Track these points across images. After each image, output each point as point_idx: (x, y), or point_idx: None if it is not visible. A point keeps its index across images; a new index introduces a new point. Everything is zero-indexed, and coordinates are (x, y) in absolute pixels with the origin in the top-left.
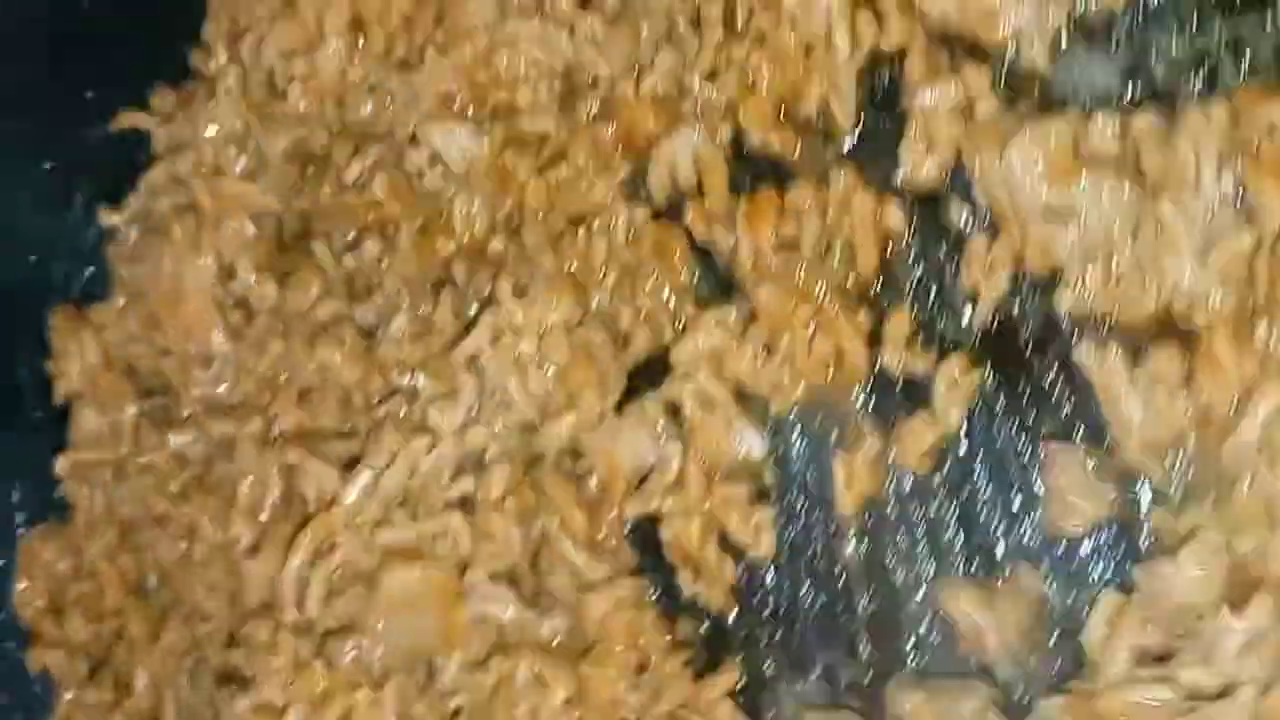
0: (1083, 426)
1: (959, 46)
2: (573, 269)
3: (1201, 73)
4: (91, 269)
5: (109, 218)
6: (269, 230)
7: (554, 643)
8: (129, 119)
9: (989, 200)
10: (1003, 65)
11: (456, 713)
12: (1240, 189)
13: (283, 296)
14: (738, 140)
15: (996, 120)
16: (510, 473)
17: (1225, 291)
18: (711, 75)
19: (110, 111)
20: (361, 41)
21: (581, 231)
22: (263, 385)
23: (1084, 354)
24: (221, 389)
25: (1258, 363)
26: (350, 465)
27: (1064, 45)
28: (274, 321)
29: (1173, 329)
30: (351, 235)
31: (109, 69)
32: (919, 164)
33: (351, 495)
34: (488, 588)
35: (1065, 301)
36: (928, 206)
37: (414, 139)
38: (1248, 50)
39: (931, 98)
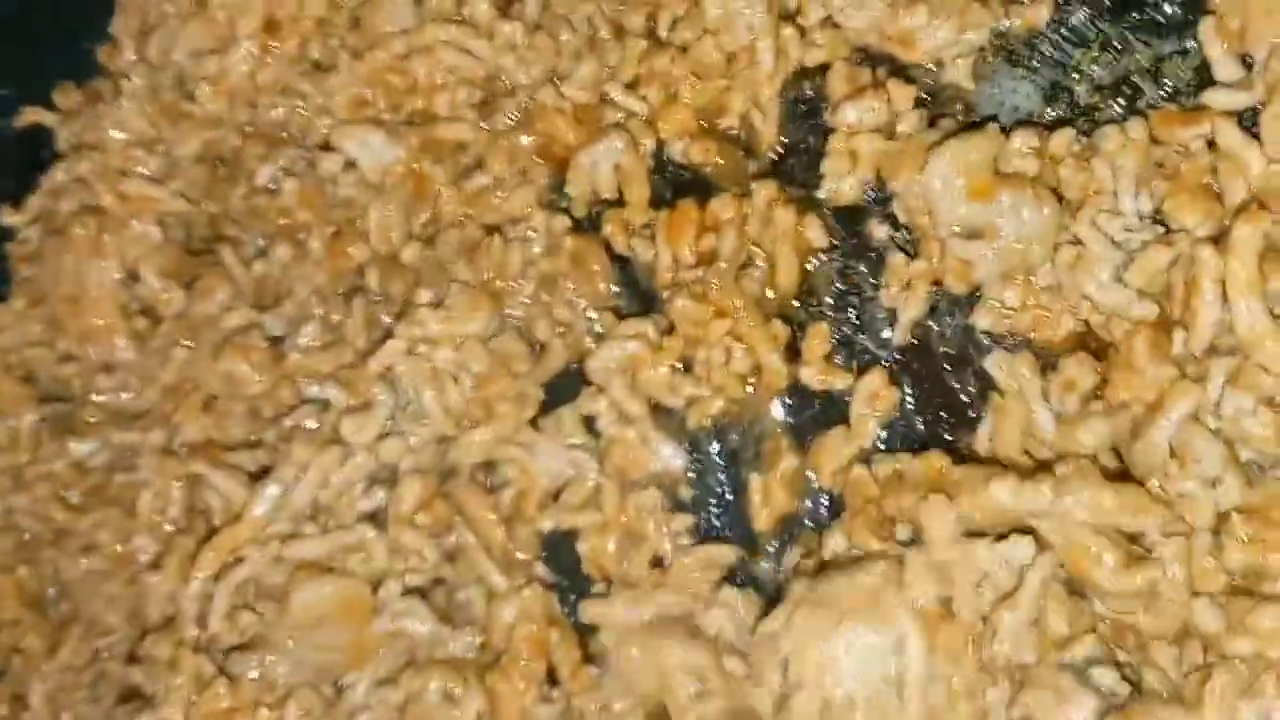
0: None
1: (881, 64)
2: (489, 279)
3: (1122, 95)
4: None
5: (8, 217)
6: (176, 234)
7: (465, 657)
8: (32, 115)
9: (909, 217)
10: (925, 83)
11: None
12: (1157, 208)
13: (189, 302)
14: (659, 152)
15: (918, 137)
16: (423, 485)
17: (1144, 304)
18: (633, 85)
19: (13, 108)
20: (274, 44)
21: (498, 241)
22: (167, 394)
23: (994, 364)
24: (124, 397)
25: (1172, 369)
26: (258, 477)
27: (986, 64)
28: (179, 328)
29: (1087, 344)
30: (261, 241)
31: (12, 64)
32: (841, 180)
33: (259, 508)
34: (402, 603)
35: (984, 320)
36: (849, 222)
37: (327, 145)
38: (1166, 74)
39: (855, 113)
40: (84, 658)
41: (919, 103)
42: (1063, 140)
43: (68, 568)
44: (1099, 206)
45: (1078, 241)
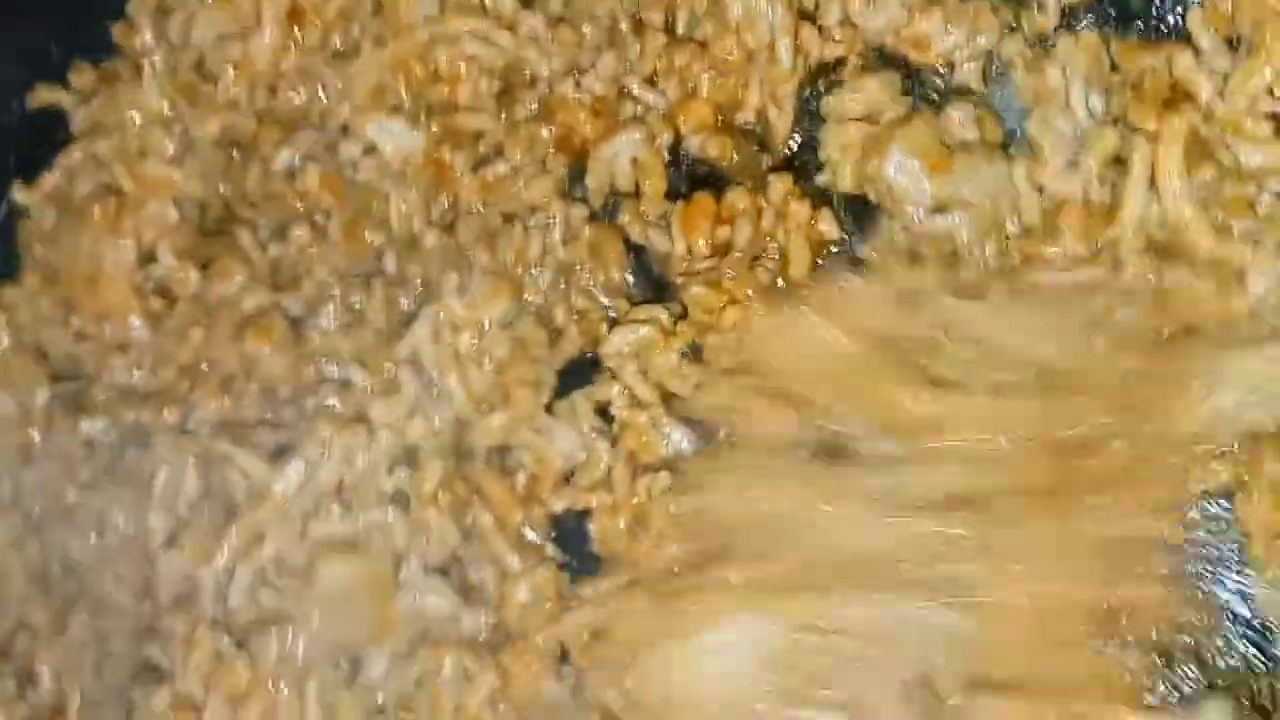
0: None
1: (895, 64)
2: (509, 266)
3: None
4: None
5: (20, 194)
6: (192, 215)
7: (479, 636)
8: (46, 95)
9: (882, 202)
10: (937, 84)
11: (381, 707)
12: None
13: (205, 283)
14: (676, 145)
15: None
16: (444, 466)
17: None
18: (652, 80)
19: (27, 88)
20: (298, 31)
21: (517, 228)
22: (182, 373)
23: None
24: (138, 376)
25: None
26: (276, 456)
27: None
28: (195, 309)
29: None
30: (277, 224)
31: (27, 44)
32: (839, 170)
33: (282, 487)
34: (425, 581)
35: None
36: (861, 215)
37: (347, 130)
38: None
39: (846, 103)
40: (92, 634)
41: (929, 101)
42: (1014, 47)
43: (77, 545)
44: (1049, 104)
45: (1030, 143)
